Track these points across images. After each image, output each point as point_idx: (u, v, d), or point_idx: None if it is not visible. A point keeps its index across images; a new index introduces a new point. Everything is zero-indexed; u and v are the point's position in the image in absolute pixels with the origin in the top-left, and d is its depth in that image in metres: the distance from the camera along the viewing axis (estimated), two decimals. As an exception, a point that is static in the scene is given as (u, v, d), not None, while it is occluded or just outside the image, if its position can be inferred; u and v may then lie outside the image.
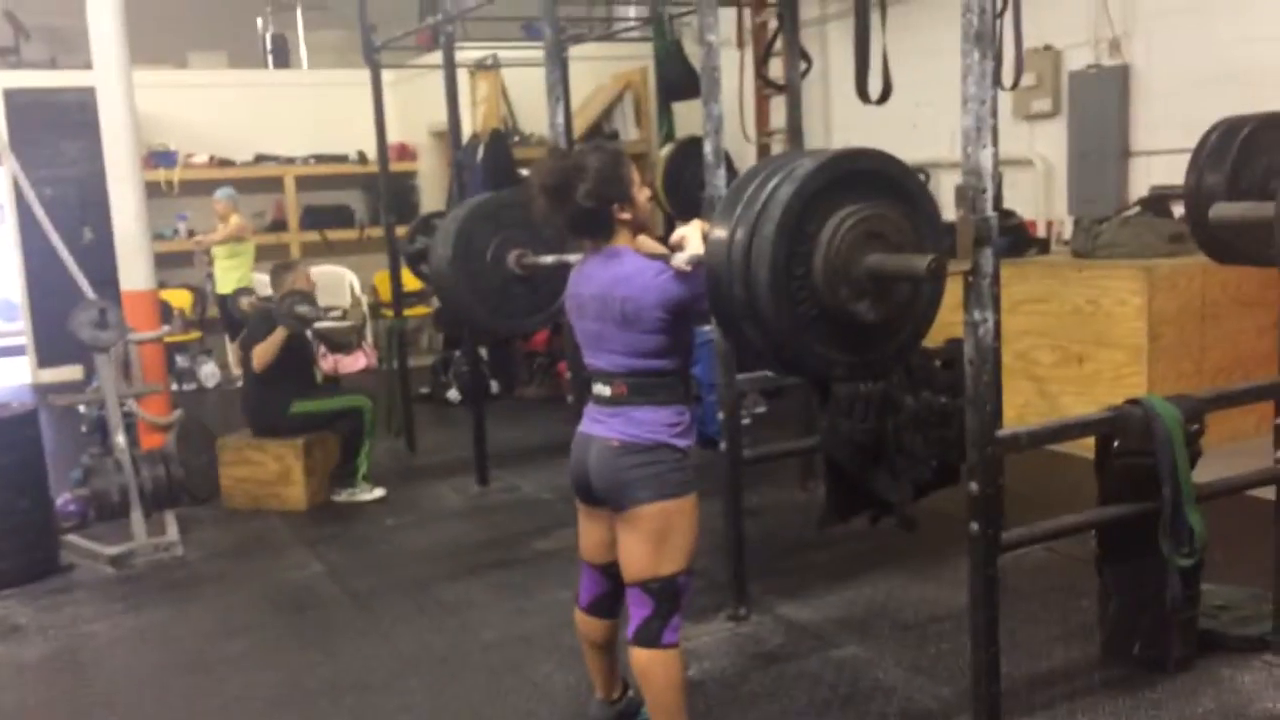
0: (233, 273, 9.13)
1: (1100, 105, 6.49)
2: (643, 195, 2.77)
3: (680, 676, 2.75)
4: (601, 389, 2.75)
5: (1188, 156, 3.21)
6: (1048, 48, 6.73)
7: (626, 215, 2.73)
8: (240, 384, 9.18)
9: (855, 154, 2.54)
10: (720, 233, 2.49)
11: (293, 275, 5.77)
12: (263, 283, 9.41)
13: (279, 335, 5.48)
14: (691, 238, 2.61)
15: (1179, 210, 5.47)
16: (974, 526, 2.69)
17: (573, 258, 2.95)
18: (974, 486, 2.69)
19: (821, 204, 2.44)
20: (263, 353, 5.49)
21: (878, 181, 2.53)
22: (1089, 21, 6.54)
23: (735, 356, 3.62)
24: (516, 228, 4.21)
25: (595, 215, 2.70)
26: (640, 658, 2.73)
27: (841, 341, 2.54)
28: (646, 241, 2.85)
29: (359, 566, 4.76)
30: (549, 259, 4.14)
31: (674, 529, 2.69)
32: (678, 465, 2.70)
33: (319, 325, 5.63)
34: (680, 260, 2.59)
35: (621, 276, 2.67)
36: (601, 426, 2.74)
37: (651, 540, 2.69)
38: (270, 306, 5.72)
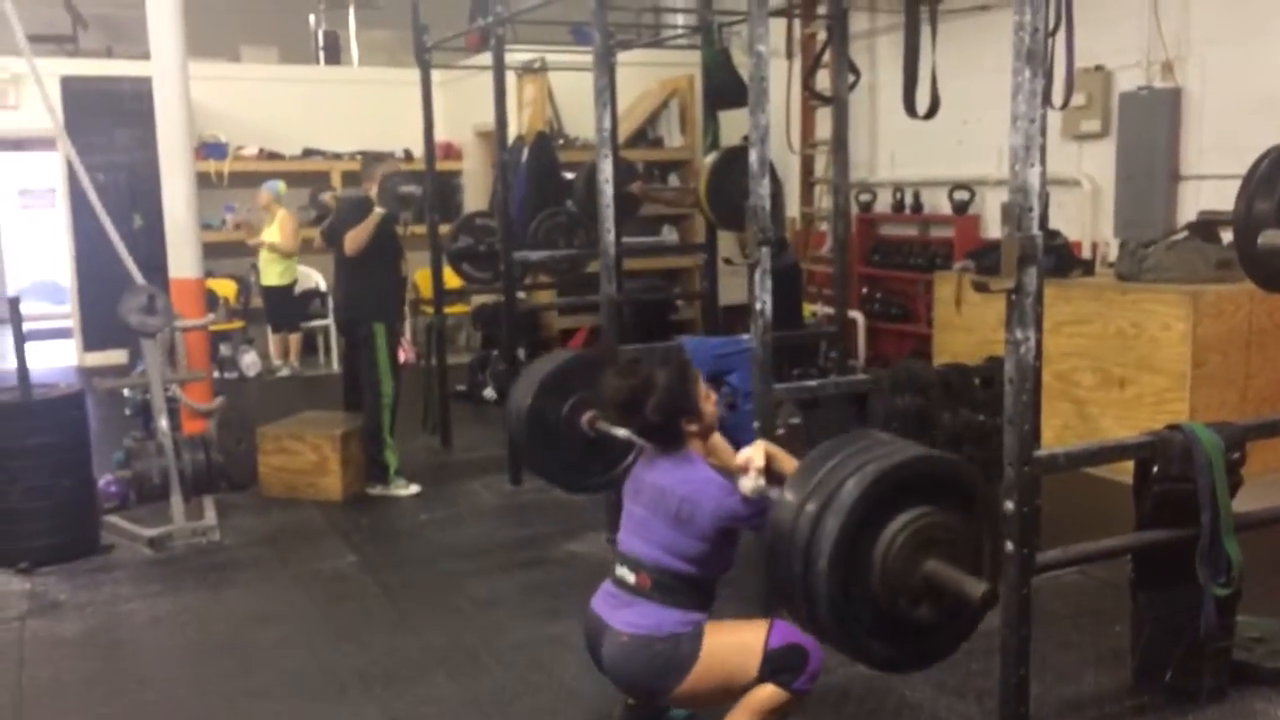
0: (276, 264, 9.25)
1: (1150, 127, 6.42)
2: (709, 405, 2.86)
3: (781, 713, 2.73)
4: (625, 573, 2.80)
5: (1238, 183, 3.18)
6: (1099, 68, 6.68)
7: (694, 427, 2.83)
8: (281, 373, 9.40)
9: (902, 466, 2.43)
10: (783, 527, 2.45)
11: (384, 165, 5.88)
12: (306, 274, 9.56)
13: (374, 217, 5.58)
14: (756, 461, 2.64)
15: (1228, 236, 5.42)
16: (1009, 546, 2.68)
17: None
18: (1010, 506, 2.68)
19: (871, 525, 2.37)
20: (356, 236, 5.57)
21: (934, 486, 2.45)
22: (1142, 43, 6.49)
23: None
24: (586, 389, 3.94)
25: (664, 428, 2.80)
26: (766, 690, 2.70)
27: (892, 639, 2.47)
28: (719, 442, 2.94)
29: (392, 559, 4.82)
30: (621, 432, 3.83)
31: (719, 668, 2.71)
32: (686, 640, 2.71)
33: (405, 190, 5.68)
34: (746, 488, 2.65)
35: (688, 479, 2.76)
36: (614, 613, 2.79)
37: (713, 693, 2.74)
38: (359, 195, 5.79)
